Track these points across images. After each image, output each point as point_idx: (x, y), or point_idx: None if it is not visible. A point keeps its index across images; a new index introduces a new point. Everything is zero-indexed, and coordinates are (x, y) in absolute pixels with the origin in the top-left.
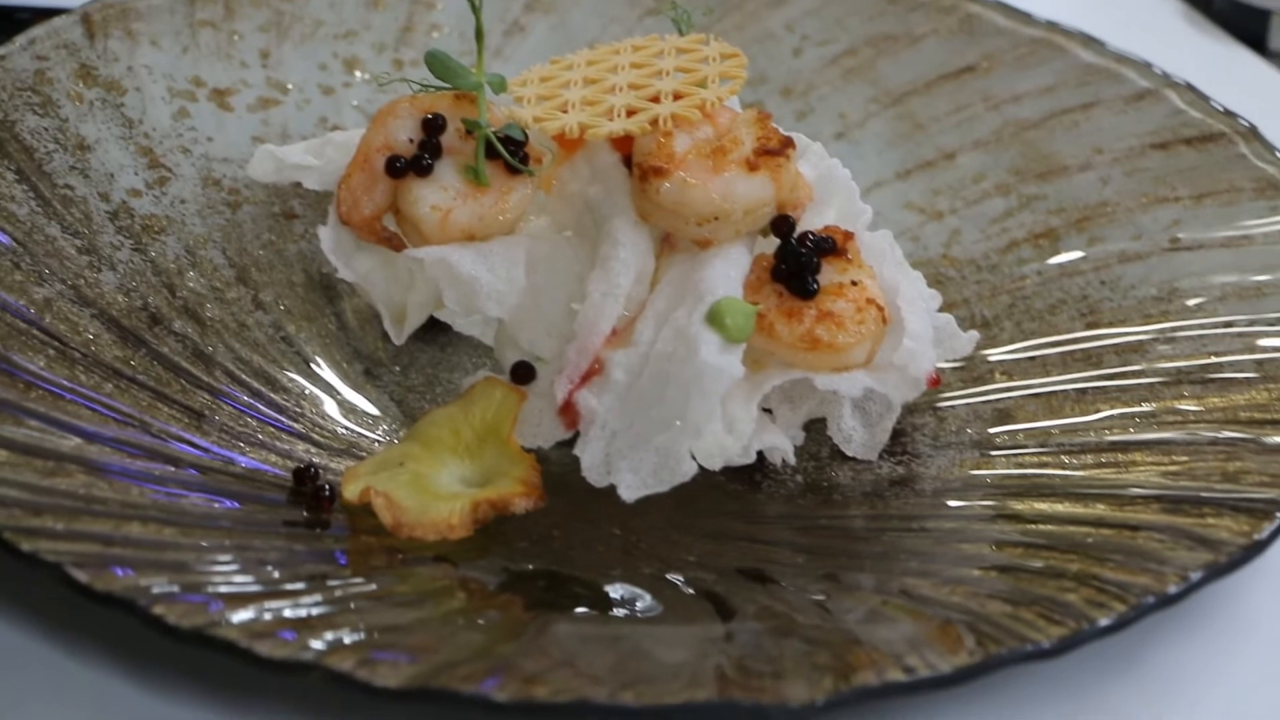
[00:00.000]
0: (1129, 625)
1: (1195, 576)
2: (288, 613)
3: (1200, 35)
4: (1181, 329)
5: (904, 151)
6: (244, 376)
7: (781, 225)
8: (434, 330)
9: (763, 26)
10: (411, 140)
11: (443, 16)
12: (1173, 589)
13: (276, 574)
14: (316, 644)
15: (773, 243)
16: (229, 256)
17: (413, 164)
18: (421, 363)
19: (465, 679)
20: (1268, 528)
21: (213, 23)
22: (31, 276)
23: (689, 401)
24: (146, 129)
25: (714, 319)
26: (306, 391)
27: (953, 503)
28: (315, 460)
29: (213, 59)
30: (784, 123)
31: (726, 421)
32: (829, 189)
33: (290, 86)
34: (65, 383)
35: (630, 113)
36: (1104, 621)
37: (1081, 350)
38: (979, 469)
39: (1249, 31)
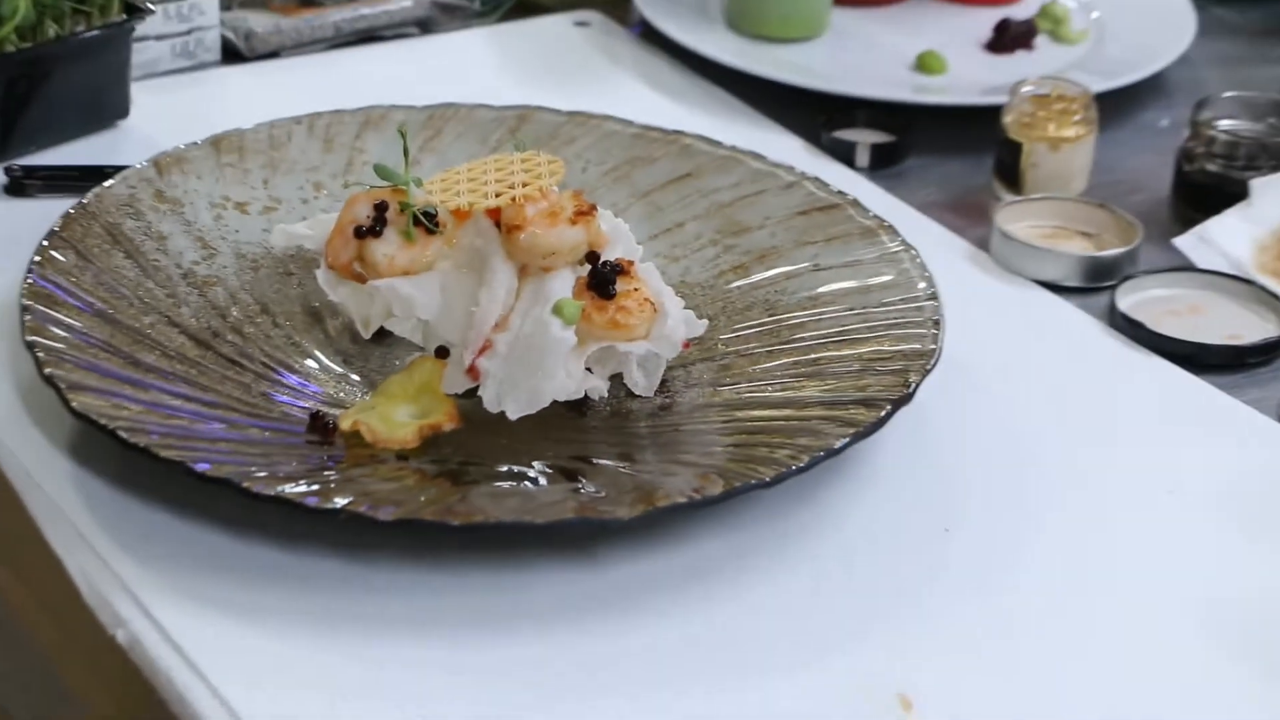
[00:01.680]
0: (812, 468)
1: (844, 441)
2: (315, 487)
3: (815, 158)
4: (825, 314)
5: (653, 223)
6: (273, 365)
7: (592, 257)
8: (383, 336)
9: (562, 155)
10: (368, 216)
11: (368, 156)
12: (837, 444)
13: (304, 468)
14: (340, 500)
15: (587, 268)
16: (254, 298)
17: (370, 230)
18: (377, 354)
19: (429, 515)
20: (883, 413)
21: (232, 164)
22: (140, 310)
23: (544, 360)
24: (199, 226)
25: (557, 311)
26: (311, 371)
27: (700, 415)
28: (322, 407)
29: (234, 184)
30: None
31: (566, 372)
32: (617, 236)
33: (282, 200)
34: (167, 369)
35: (498, 194)
36: (798, 466)
37: (766, 330)
38: (713, 397)
39: (844, 155)
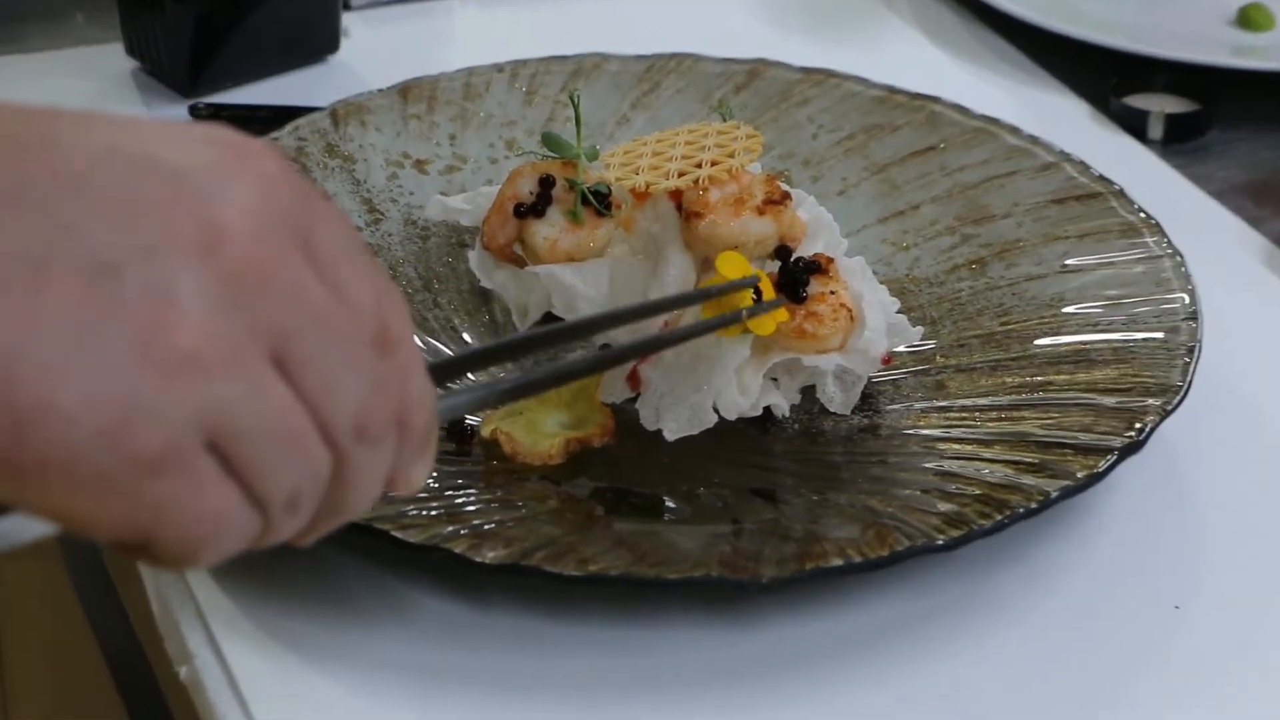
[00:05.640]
0: (1003, 529)
1: (1054, 495)
2: (426, 512)
3: (1101, 127)
4: (1063, 326)
5: (884, 204)
6: (423, 353)
7: (781, 252)
8: (553, 323)
9: (791, 119)
10: (532, 192)
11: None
12: (1033, 504)
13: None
14: (445, 532)
15: (776, 265)
16: (419, 272)
17: (532, 208)
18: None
19: (540, 559)
20: (1105, 462)
21: (418, 115)
22: None
23: (713, 371)
24: (368, 186)
25: None
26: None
27: (899, 445)
28: None
29: (417, 140)
30: (803, 184)
31: (740, 386)
32: (818, 227)
33: (468, 158)
34: None
35: (681, 174)
36: (986, 525)
37: (994, 341)
38: (918, 421)
39: (1134, 125)
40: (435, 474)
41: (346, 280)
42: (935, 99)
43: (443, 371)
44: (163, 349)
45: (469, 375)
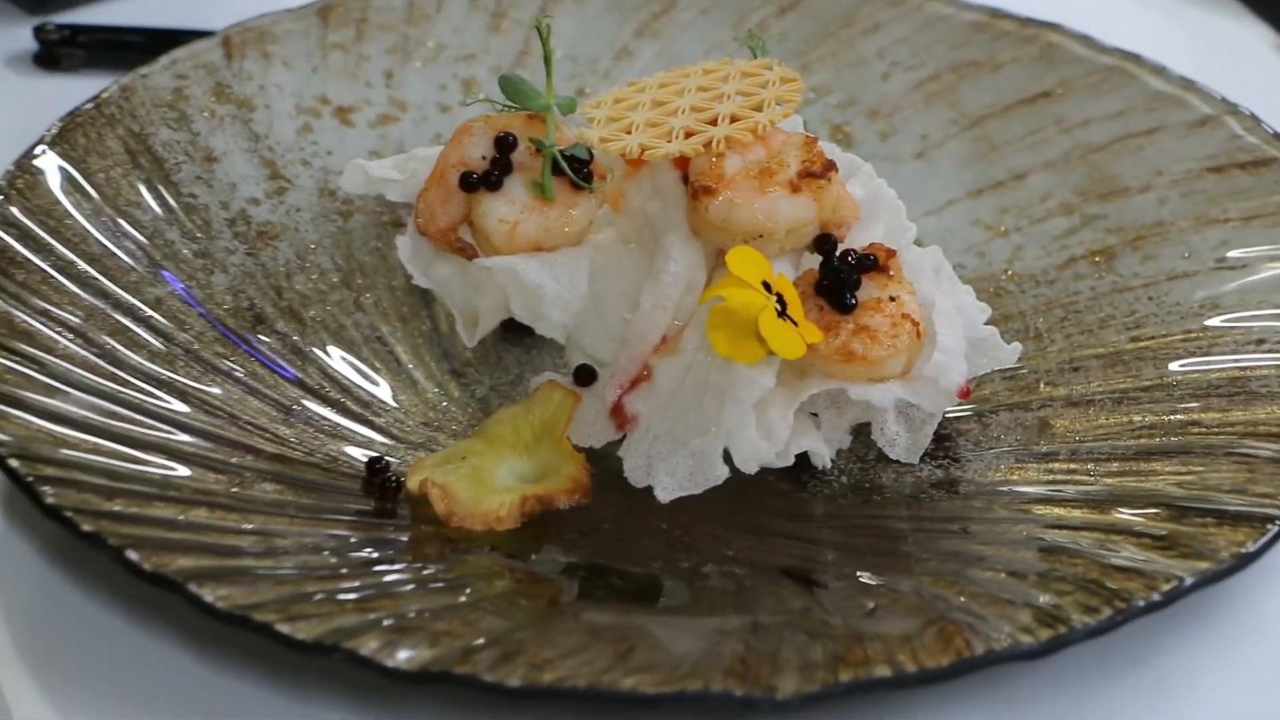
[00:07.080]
0: (1116, 628)
1: (1187, 583)
2: (328, 596)
3: None
4: (1216, 344)
5: (978, 171)
6: (336, 374)
7: (824, 243)
8: (520, 333)
9: (856, 52)
10: (484, 157)
11: (557, 41)
12: (1156, 596)
13: (332, 560)
14: (348, 625)
15: (817, 260)
16: (336, 262)
17: (484, 179)
18: (507, 363)
19: (477, 664)
20: (1261, 538)
21: (343, 45)
22: (146, 278)
23: (723, 408)
24: (271, 143)
25: None
26: (392, 388)
27: (982, 508)
28: (390, 453)
29: (339, 79)
30: (868, 143)
31: (763, 428)
32: (877, 207)
33: (409, 104)
34: (164, 374)
35: (689, 134)
36: (1090, 624)
37: (1121, 363)
38: (1012, 474)
39: None
40: (347, 540)
41: None
42: (1053, 25)
43: None
44: None
45: None
